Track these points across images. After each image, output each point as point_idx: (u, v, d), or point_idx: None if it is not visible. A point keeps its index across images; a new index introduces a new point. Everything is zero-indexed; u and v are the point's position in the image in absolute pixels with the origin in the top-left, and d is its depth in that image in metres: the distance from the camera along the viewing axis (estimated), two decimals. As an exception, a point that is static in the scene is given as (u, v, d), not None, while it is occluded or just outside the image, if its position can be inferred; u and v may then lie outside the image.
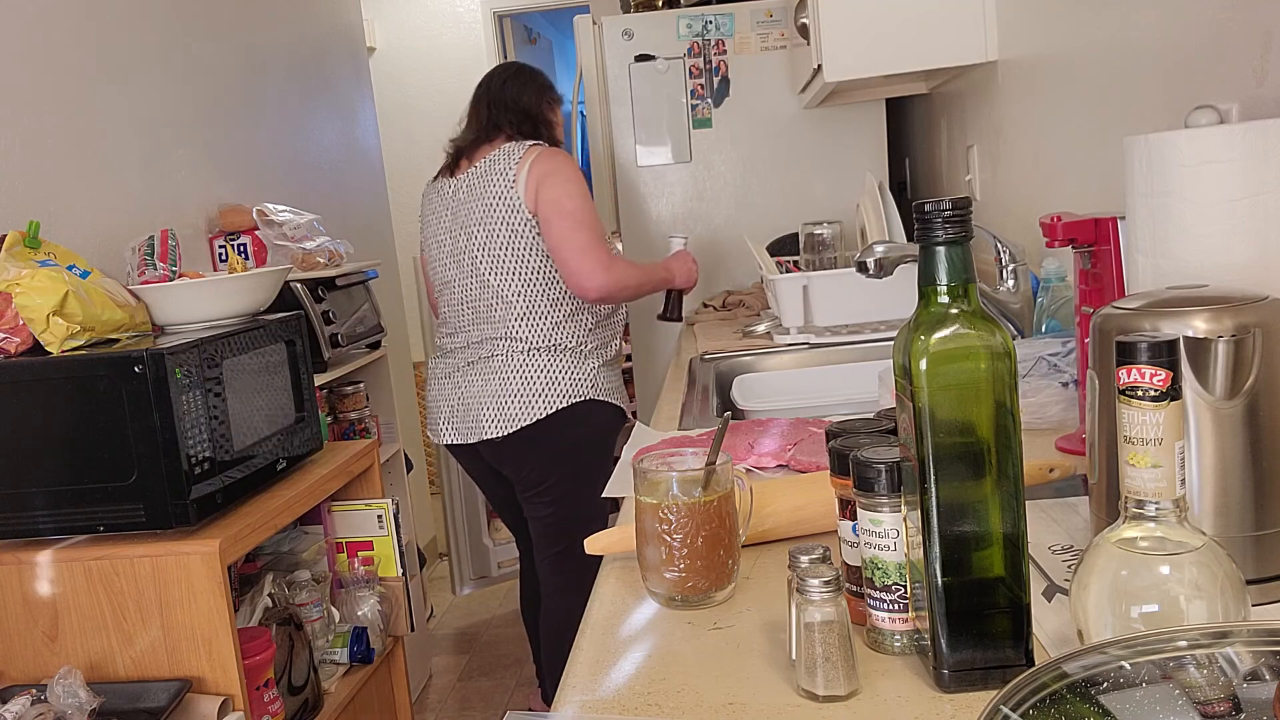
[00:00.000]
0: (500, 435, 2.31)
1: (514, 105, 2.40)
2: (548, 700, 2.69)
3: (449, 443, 2.43)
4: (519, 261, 2.29)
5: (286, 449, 1.95)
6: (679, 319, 2.67)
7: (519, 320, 2.31)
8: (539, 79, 2.47)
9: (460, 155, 2.41)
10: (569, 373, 2.31)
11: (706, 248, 3.18)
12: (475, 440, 2.36)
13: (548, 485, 2.36)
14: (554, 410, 2.29)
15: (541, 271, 2.30)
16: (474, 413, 2.34)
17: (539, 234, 2.29)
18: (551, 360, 2.30)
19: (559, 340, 2.31)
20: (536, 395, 2.29)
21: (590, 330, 2.36)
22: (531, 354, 2.30)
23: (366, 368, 2.93)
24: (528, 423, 2.29)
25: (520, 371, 2.30)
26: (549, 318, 2.31)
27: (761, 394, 2.03)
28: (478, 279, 2.33)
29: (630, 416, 2.48)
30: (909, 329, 0.74)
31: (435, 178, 2.48)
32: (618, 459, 2.72)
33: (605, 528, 2.51)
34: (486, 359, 2.34)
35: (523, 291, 2.30)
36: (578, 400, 2.31)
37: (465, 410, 2.37)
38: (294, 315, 2.06)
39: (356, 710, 2.14)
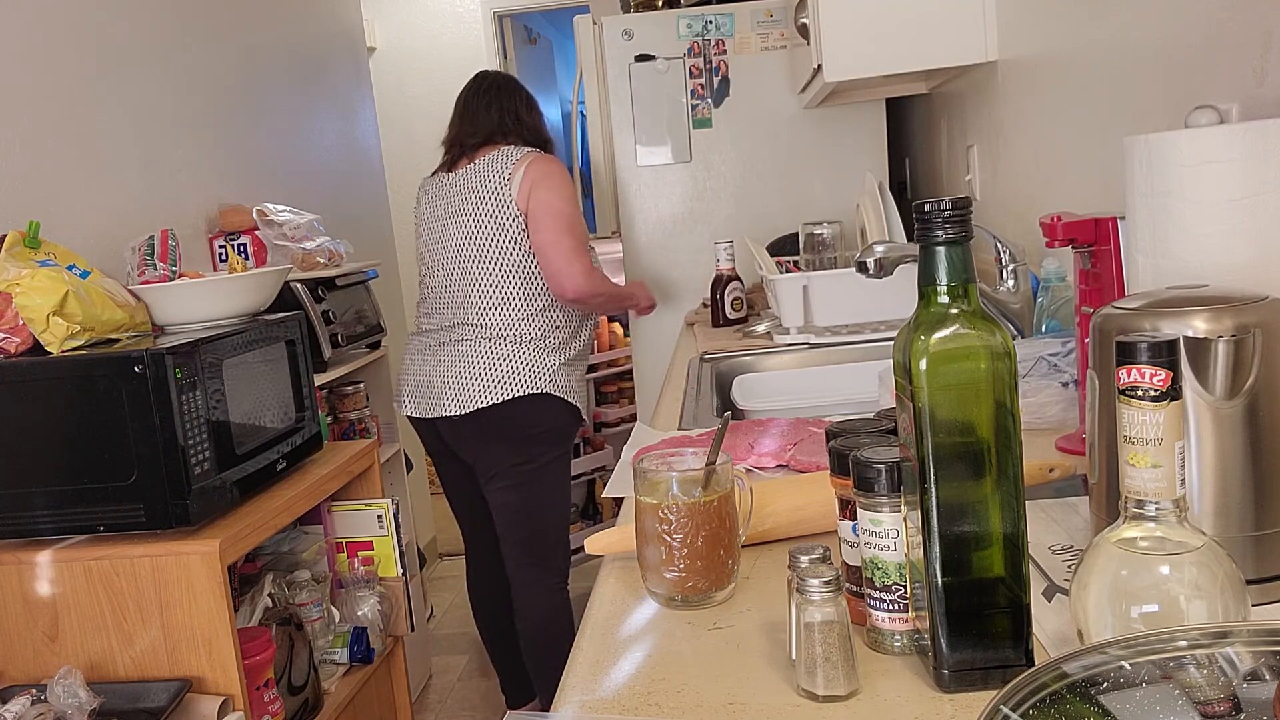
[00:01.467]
0: (458, 414, 2.41)
1: (530, 125, 2.54)
2: (512, 704, 2.72)
3: (410, 414, 2.54)
4: (501, 254, 2.40)
5: (286, 449, 1.95)
6: (726, 324, 2.71)
7: (492, 309, 2.42)
8: (535, 102, 2.60)
9: (461, 154, 2.51)
10: (530, 364, 2.41)
11: (707, 247, 3.17)
12: (434, 416, 2.46)
13: (503, 470, 2.46)
14: (511, 397, 2.39)
15: (521, 266, 2.41)
16: (436, 390, 2.45)
17: (524, 231, 2.41)
18: (515, 350, 2.41)
19: (526, 332, 2.42)
20: (496, 381, 2.39)
21: (557, 327, 2.47)
22: (498, 342, 2.41)
23: (366, 368, 2.94)
24: (484, 405, 2.39)
25: (485, 357, 2.41)
26: (520, 310, 2.42)
27: (761, 394, 2.03)
28: (460, 267, 2.44)
29: (585, 418, 2.59)
30: (909, 329, 0.74)
31: (433, 173, 2.58)
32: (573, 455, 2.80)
33: (567, 517, 2.61)
34: (456, 342, 2.45)
35: (500, 283, 2.41)
36: (535, 392, 2.41)
37: (429, 386, 2.47)
38: (294, 315, 2.06)
39: (356, 710, 2.14)
